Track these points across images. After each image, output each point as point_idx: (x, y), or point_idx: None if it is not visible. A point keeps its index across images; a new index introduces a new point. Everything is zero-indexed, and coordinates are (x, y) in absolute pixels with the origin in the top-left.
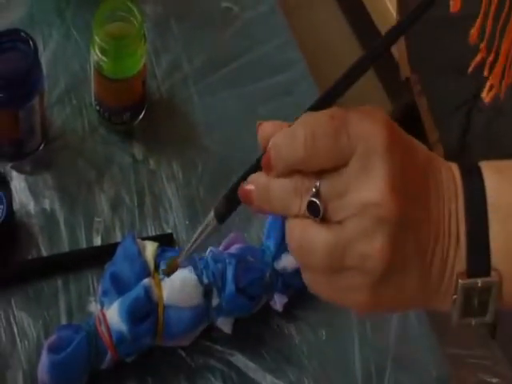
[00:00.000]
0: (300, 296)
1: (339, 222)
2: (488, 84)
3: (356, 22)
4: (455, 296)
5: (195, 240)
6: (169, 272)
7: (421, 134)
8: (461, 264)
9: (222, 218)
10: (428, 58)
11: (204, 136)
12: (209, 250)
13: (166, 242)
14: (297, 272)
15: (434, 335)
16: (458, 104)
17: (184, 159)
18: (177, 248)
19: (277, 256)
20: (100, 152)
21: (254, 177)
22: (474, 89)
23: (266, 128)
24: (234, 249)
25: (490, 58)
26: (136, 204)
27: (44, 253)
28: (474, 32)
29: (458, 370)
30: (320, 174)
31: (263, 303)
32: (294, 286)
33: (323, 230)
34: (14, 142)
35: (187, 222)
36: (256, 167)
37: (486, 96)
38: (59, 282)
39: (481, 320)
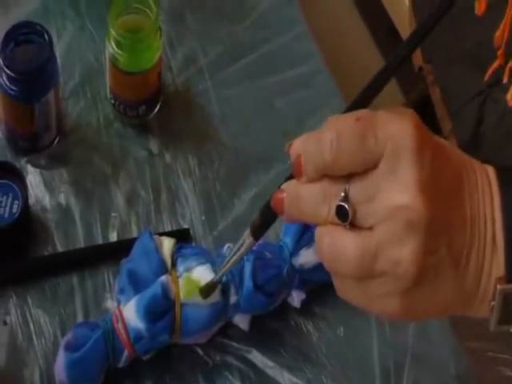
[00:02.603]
0: (318, 293)
1: (370, 228)
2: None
3: (369, 14)
4: (493, 302)
5: (231, 257)
6: (206, 293)
7: (434, 125)
8: (499, 269)
9: (257, 233)
10: (442, 48)
11: (220, 129)
12: (226, 246)
13: (182, 237)
14: (315, 268)
15: (453, 332)
16: (472, 94)
17: (200, 153)
18: (193, 244)
19: (294, 252)
20: (115, 146)
21: (286, 185)
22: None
23: (296, 146)
24: None
25: (510, 64)
26: (152, 199)
27: (60, 248)
28: (498, 35)
29: (477, 363)
30: (349, 177)
31: (281, 300)
32: (311, 282)
33: (353, 237)
34: (29, 136)
35: (203, 218)
36: (292, 177)
37: (510, 99)
38: (75, 279)
39: None
